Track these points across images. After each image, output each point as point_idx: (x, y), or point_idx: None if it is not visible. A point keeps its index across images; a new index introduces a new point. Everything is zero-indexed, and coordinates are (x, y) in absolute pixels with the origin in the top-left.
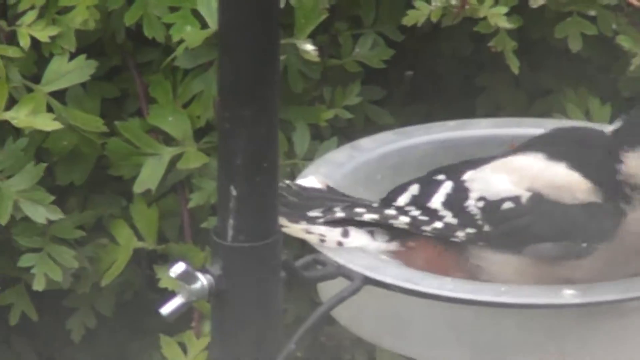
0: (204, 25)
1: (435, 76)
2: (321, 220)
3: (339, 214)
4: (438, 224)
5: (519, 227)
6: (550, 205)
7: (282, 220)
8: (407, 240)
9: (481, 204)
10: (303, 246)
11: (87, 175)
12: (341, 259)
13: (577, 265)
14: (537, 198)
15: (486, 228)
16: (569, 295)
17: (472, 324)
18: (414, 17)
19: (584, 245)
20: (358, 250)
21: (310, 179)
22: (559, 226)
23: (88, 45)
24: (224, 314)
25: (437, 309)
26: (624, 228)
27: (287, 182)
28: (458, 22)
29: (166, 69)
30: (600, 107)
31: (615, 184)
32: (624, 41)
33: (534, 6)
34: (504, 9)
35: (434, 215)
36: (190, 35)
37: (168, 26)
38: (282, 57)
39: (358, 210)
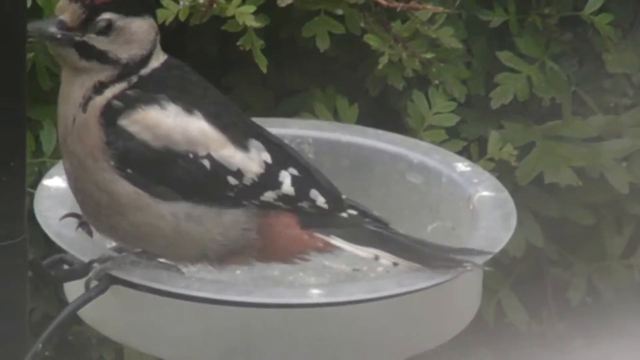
0: None
1: None
2: None
3: None
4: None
5: None
6: None
7: None
8: None
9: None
10: (50, 245)
11: None
12: (87, 258)
13: None
14: None
15: None
16: (316, 294)
17: (220, 323)
18: (163, 16)
19: None
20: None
21: (56, 179)
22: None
23: None
24: None
25: (185, 309)
26: None
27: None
28: (205, 21)
29: None
30: (348, 106)
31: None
32: (371, 40)
33: (282, 5)
34: (251, 8)
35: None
36: None
37: None
38: (30, 55)
39: None
